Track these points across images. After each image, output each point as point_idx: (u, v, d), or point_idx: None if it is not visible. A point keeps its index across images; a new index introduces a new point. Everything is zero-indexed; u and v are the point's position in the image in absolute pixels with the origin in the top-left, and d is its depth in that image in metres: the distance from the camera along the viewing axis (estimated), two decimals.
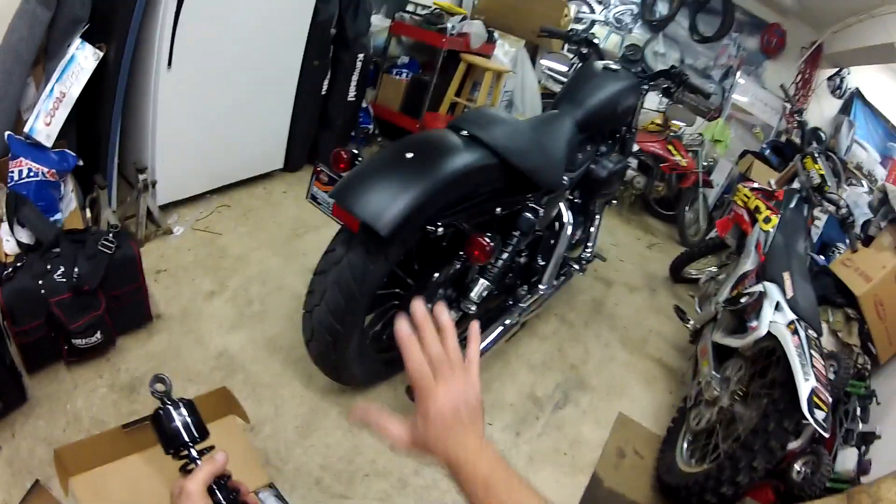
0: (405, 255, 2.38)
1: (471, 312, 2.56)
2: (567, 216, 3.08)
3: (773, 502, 2.64)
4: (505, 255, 2.59)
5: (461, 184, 2.25)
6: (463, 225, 2.31)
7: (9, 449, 2.20)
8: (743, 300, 3.03)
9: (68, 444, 1.78)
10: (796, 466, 2.65)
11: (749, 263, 3.41)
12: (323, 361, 2.55)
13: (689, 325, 3.79)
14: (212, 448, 1.24)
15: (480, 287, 2.49)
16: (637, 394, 3.58)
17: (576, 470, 2.92)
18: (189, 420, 1.24)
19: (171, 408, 1.24)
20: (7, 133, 2.83)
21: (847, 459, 2.81)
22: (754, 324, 2.82)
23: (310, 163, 5.08)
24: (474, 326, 1.15)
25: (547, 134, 2.82)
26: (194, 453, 1.20)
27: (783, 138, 7.06)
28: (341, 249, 2.25)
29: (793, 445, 2.58)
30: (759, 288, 3.01)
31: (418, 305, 1.09)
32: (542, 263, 3.16)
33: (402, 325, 1.06)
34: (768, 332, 2.70)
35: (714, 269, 4.38)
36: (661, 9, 7.81)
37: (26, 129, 2.83)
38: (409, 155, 2.18)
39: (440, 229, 2.18)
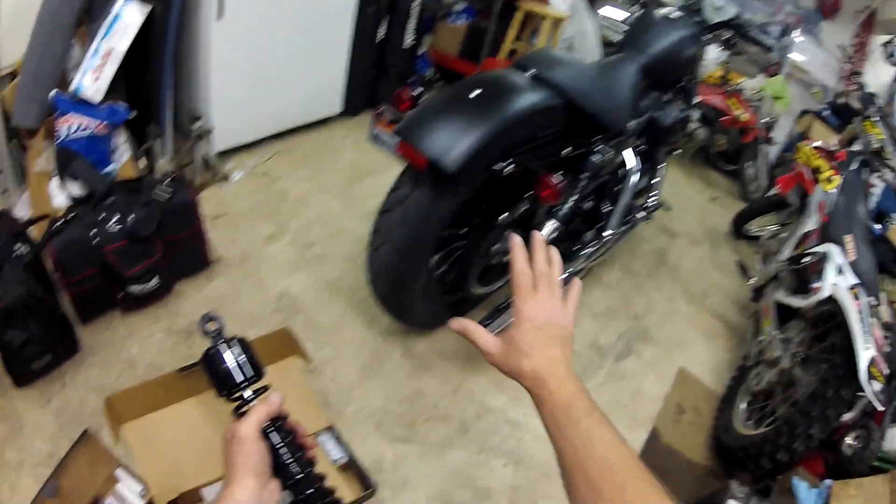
0: (472, 194, 2.33)
1: None
2: (633, 161, 3.01)
3: (821, 475, 2.56)
4: (573, 198, 2.52)
5: (527, 123, 2.20)
6: (532, 164, 2.26)
7: (58, 400, 2.23)
8: (805, 259, 2.97)
9: (119, 391, 1.76)
10: (847, 440, 2.58)
11: (812, 223, 3.32)
12: (388, 301, 2.53)
13: (750, 283, 3.69)
14: (267, 388, 1.17)
15: (549, 228, 2.43)
16: (698, 349, 3.52)
17: (635, 423, 2.89)
18: (242, 358, 1.17)
19: (222, 347, 1.18)
20: (53, 91, 2.83)
21: (895, 438, 2.73)
22: (817, 284, 2.73)
23: (369, 108, 5.02)
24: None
25: (612, 77, 2.74)
26: (248, 395, 1.13)
27: (840, 100, 6.88)
28: (407, 187, 2.23)
29: (846, 417, 2.49)
30: (821, 248, 2.93)
31: (537, 235, 1.11)
32: (609, 209, 3.10)
33: (515, 235, 1.09)
34: (830, 296, 2.63)
35: (775, 225, 4.29)
36: None
37: (72, 87, 2.84)
38: (476, 93, 2.13)
39: (507, 167, 2.13)
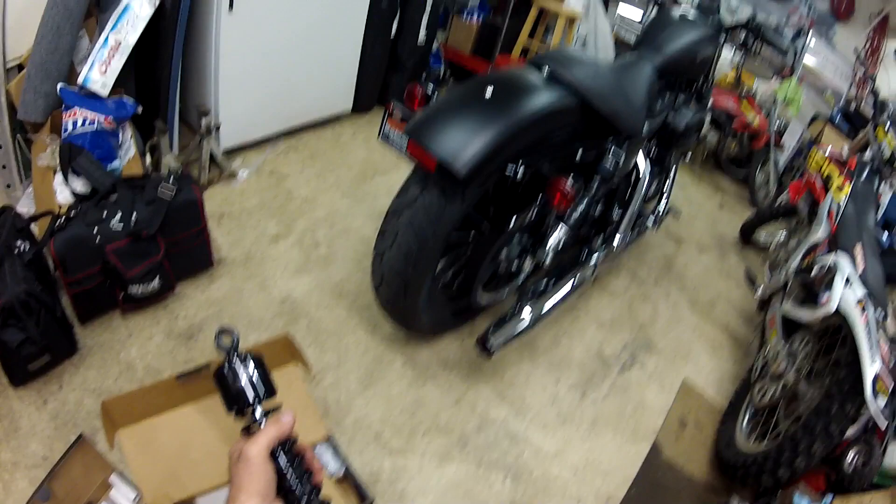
0: (481, 196, 2.28)
1: (546, 263, 2.46)
2: (645, 166, 2.96)
3: (822, 490, 2.54)
4: (584, 202, 2.47)
5: (541, 125, 2.14)
6: (544, 168, 2.20)
7: (55, 402, 2.19)
8: (814, 271, 2.94)
9: (116, 395, 1.72)
10: (849, 456, 2.53)
11: (821, 232, 3.29)
12: (392, 307, 2.48)
13: (757, 293, 3.67)
14: (278, 408, 1.15)
15: (559, 234, 2.36)
16: (703, 360, 3.48)
17: (637, 437, 2.85)
18: (256, 375, 1.15)
19: (237, 364, 1.16)
20: (60, 84, 2.79)
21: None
22: (825, 297, 2.70)
23: (380, 105, 5.02)
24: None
25: (628, 77, 2.68)
26: (259, 414, 1.11)
27: (852, 105, 6.84)
28: (415, 189, 2.17)
29: (848, 433, 2.47)
30: (830, 259, 2.91)
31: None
32: (618, 214, 3.05)
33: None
34: (837, 310, 2.60)
35: (783, 234, 4.24)
36: None
37: (80, 80, 2.80)
38: (489, 91, 2.07)
39: (520, 170, 2.08)
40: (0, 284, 2.06)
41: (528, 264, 2.59)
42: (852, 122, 6.43)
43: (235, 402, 1.12)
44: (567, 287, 2.78)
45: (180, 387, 1.73)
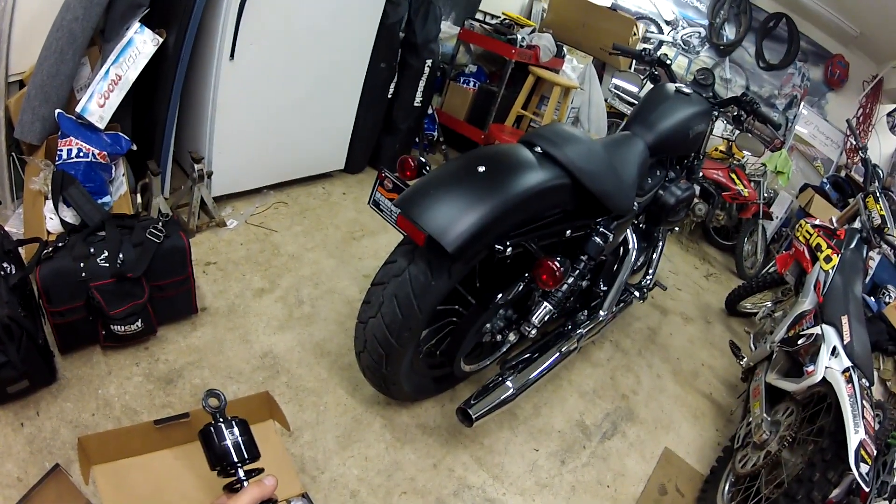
0: (468, 272, 2.28)
1: (530, 336, 2.46)
2: (632, 242, 2.99)
3: None
4: (570, 280, 2.48)
5: (532, 203, 2.15)
6: (531, 246, 2.21)
7: (31, 427, 2.17)
8: (800, 342, 2.95)
9: (94, 433, 1.72)
10: None
11: (807, 303, 3.30)
12: (373, 374, 2.47)
13: (742, 363, 3.68)
14: (261, 470, 1.20)
15: (543, 311, 2.38)
16: (684, 429, 3.47)
17: None
18: (241, 440, 1.21)
19: (223, 425, 1.20)
20: (58, 111, 2.81)
21: None
22: (810, 368, 2.72)
23: (371, 166, 5.08)
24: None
25: (620, 156, 2.71)
26: (242, 474, 1.16)
27: (843, 173, 6.93)
28: (403, 261, 2.17)
29: (832, 494, 2.45)
30: (816, 330, 2.92)
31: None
32: (604, 289, 3.06)
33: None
34: (823, 378, 2.62)
35: (769, 304, 4.28)
36: (729, 33, 7.67)
37: (78, 109, 2.82)
38: (481, 168, 2.08)
39: (508, 249, 2.09)
40: None
41: (512, 337, 2.60)
42: (842, 190, 6.51)
43: (219, 461, 1.18)
44: (551, 359, 2.77)
45: (158, 431, 1.75)
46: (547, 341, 2.86)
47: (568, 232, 2.39)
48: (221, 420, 1.22)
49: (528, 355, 2.72)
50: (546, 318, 2.40)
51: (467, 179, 2.06)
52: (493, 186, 2.03)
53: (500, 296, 2.40)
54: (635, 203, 2.79)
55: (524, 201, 2.08)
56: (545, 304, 2.38)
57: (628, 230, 2.99)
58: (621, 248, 3.04)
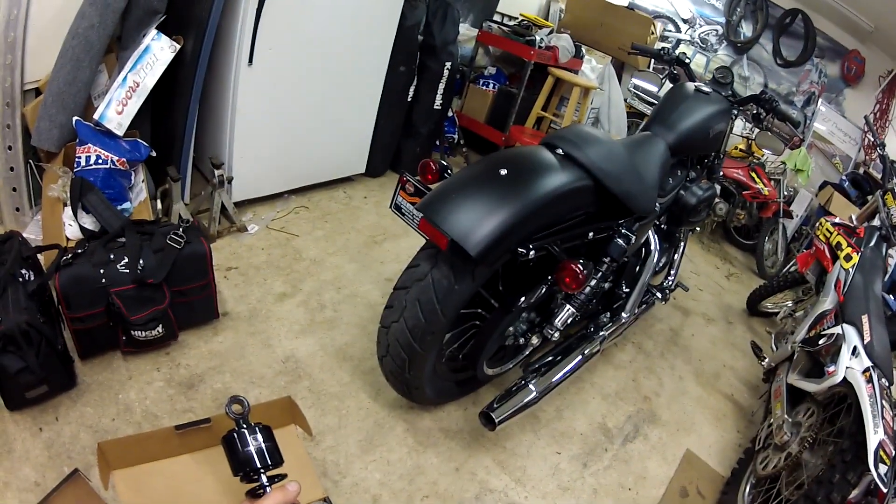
0: (491, 275, 2.27)
1: (553, 339, 2.45)
2: (654, 243, 2.97)
3: None
4: (592, 282, 2.47)
5: (555, 206, 2.14)
6: (554, 249, 2.20)
7: (50, 431, 2.18)
8: (821, 342, 2.94)
9: (114, 438, 1.72)
10: None
11: (828, 303, 3.27)
12: (395, 379, 2.47)
13: (763, 364, 3.65)
14: (284, 476, 1.21)
15: (566, 314, 2.37)
16: (706, 431, 3.44)
17: None
18: (264, 446, 1.21)
19: (246, 432, 1.21)
20: (75, 119, 2.82)
21: None
22: (831, 368, 2.71)
23: (392, 170, 5.09)
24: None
25: (641, 157, 2.69)
26: (265, 480, 1.17)
27: (861, 170, 6.87)
28: (426, 266, 2.17)
29: (850, 496, 2.45)
30: (837, 330, 2.91)
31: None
32: (626, 290, 3.05)
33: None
34: (843, 379, 2.61)
35: (790, 303, 4.26)
36: (746, 30, 7.62)
37: (96, 116, 2.83)
38: (503, 171, 2.06)
39: (532, 252, 2.07)
40: (2, 311, 2.05)
41: (535, 340, 2.59)
42: (860, 187, 6.46)
43: (242, 467, 1.18)
44: (574, 362, 2.75)
45: (178, 437, 1.74)
46: (569, 344, 2.84)
47: (591, 234, 2.37)
48: (245, 426, 1.22)
49: (550, 358, 2.71)
50: (569, 321, 2.39)
51: (489, 183, 2.05)
52: (515, 189, 2.02)
53: (522, 299, 2.39)
54: (657, 204, 2.77)
55: (547, 204, 2.07)
56: (568, 306, 2.37)
57: (650, 231, 2.97)
58: (643, 250, 3.02)
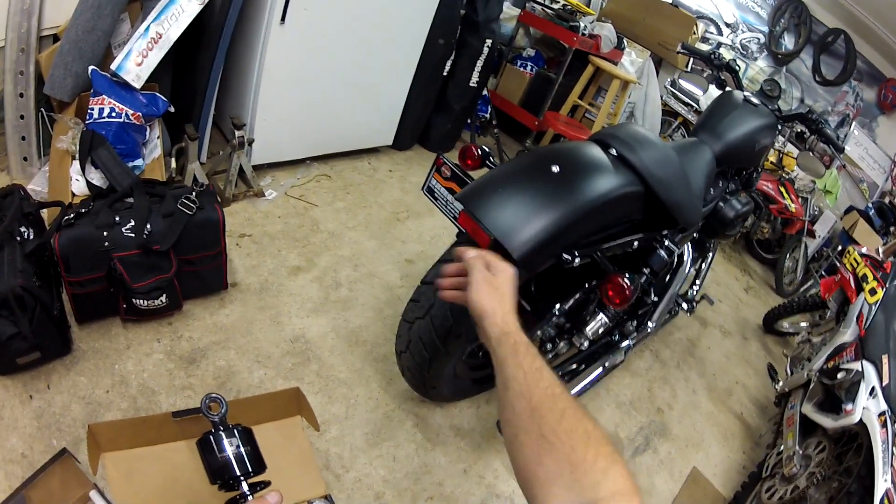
0: (528, 278, 2.14)
1: (581, 348, 2.33)
2: (688, 254, 2.85)
3: None
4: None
5: (606, 211, 1.99)
6: (600, 258, 2.05)
7: (41, 400, 2.08)
8: (839, 375, 2.90)
9: (106, 421, 1.65)
10: None
11: (848, 335, 3.19)
12: (412, 375, 2.37)
13: (777, 387, 3.59)
14: (267, 483, 1.12)
15: (598, 323, 2.24)
16: (714, 449, 3.39)
17: None
18: (243, 451, 1.11)
19: (223, 434, 1.11)
20: (91, 68, 2.70)
21: None
22: (849, 407, 2.66)
23: (420, 144, 5.01)
24: None
25: (690, 165, 2.55)
26: (246, 489, 1.07)
27: (887, 200, 6.78)
28: None
29: None
30: (856, 366, 2.86)
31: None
32: (654, 300, 2.92)
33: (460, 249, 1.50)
34: (859, 419, 2.58)
35: (806, 324, 4.24)
36: (788, 42, 7.47)
37: (113, 66, 2.71)
38: (555, 168, 1.90)
39: (577, 260, 1.91)
40: None
41: (562, 347, 2.48)
42: (885, 217, 6.43)
43: (218, 474, 1.09)
44: (595, 373, 2.67)
45: (174, 424, 1.66)
46: (594, 352, 2.75)
47: (636, 244, 2.23)
48: (222, 428, 1.13)
49: (574, 367, 2.61)
50: (600, 331, 2.27)
51: (540, 179, 1.89)
52: (567, 190, 1.87)
53: (557, 306, 2.28)
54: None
55: (597, 209, 1.92)
56: (602, 315, 2.25)
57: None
58: (675, 261, 2.89)
